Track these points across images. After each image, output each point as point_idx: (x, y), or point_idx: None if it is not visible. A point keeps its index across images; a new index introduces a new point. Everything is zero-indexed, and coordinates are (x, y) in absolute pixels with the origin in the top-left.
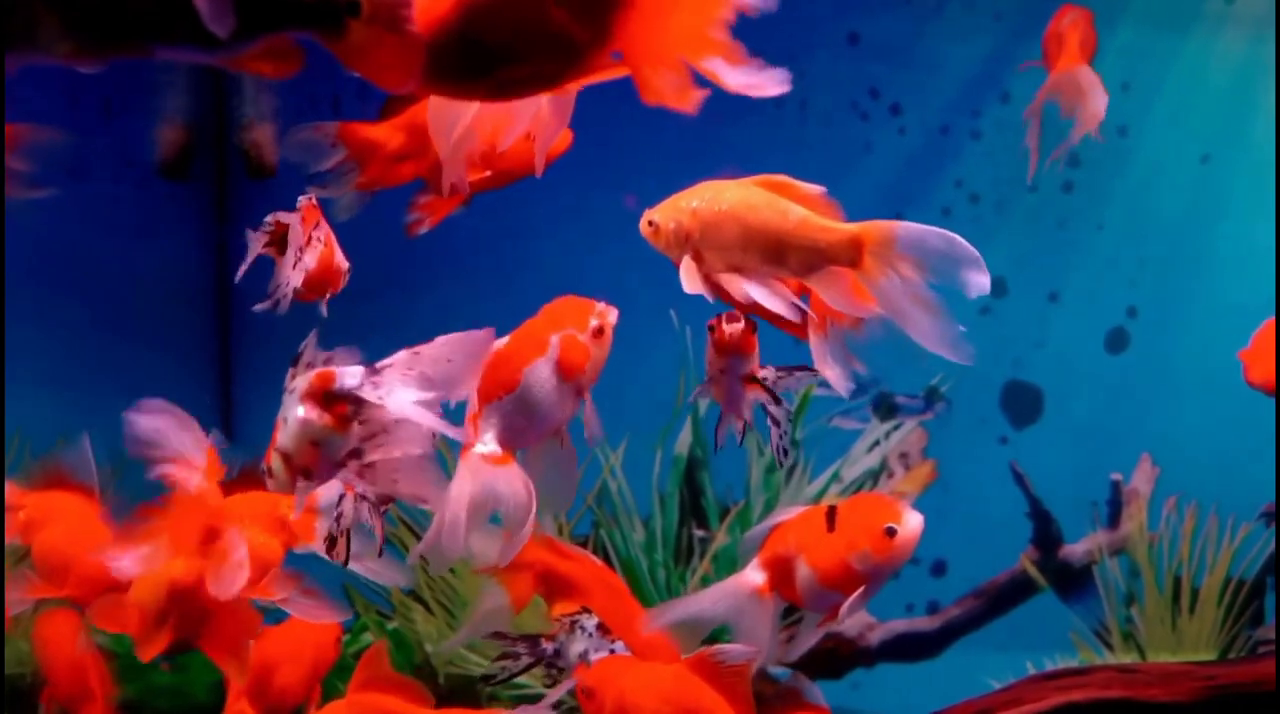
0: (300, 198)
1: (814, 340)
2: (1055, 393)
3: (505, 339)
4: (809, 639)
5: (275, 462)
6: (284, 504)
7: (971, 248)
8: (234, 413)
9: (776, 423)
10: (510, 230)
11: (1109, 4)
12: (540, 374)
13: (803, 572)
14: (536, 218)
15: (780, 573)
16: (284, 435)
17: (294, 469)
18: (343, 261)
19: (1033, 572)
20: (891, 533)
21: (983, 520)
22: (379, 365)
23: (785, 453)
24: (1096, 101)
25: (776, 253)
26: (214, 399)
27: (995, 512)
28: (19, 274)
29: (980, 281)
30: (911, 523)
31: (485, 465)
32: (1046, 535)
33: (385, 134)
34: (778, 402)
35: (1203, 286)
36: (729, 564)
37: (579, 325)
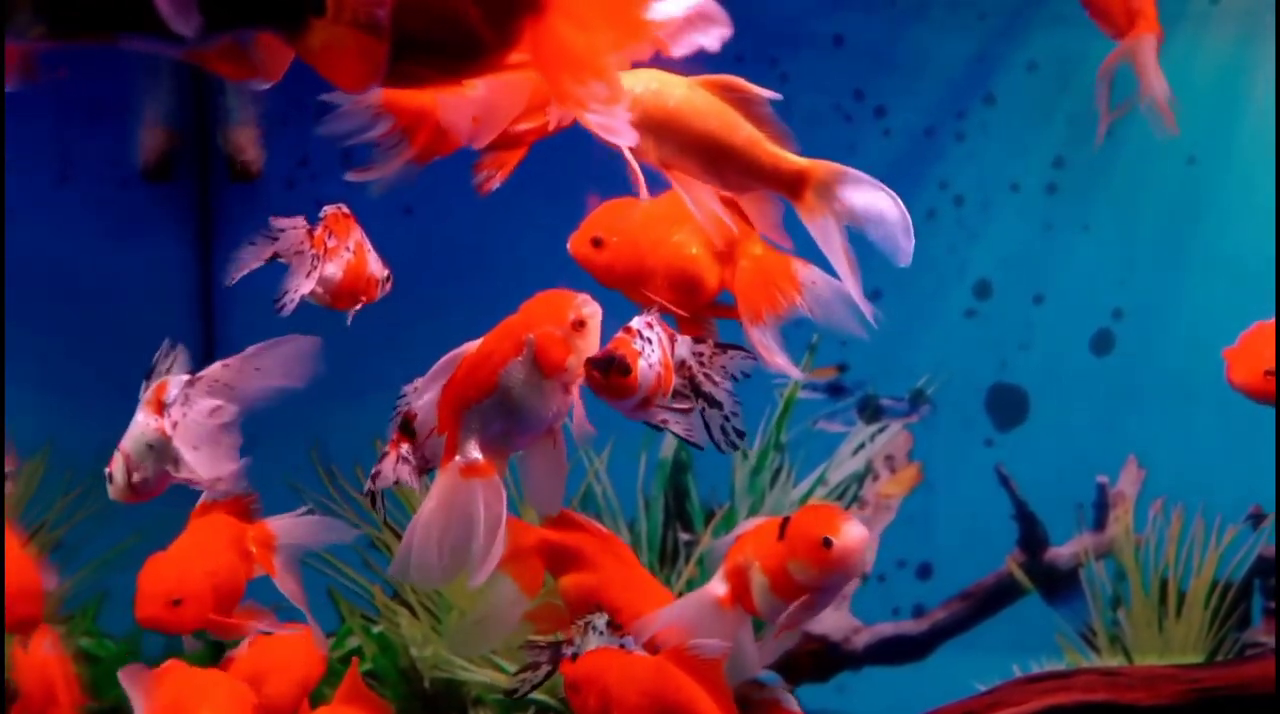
0: (327, 207)
1: (752, 332)
2: (1041, 395)
3: (479, 341)
4: (773, 650)
5: (117, 464)
6: (250, 535)
7: (907, 213)
8: None
9: (676, 417)
10: (494, 229)
11: None
12: (518, 375)
13: (757, 581)
14: (518, 218)
15: (742, 584)
16: (126, 438)
17: (132, 471)
18: (379, 270)
19: (1019, 574)
20: (828, 545)
21: (968, 523)
22: (195, 376)
23: (735, 439)
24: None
25: (716, 165)
26: None
27: (981, 514)
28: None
29: (906, 248)
30: (850, 535)
31: (460, 480)
32: (1032, 538)
33: (432, 99)
34: (682, 410)
35: (1189, 289)
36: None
37: (557, 321)
